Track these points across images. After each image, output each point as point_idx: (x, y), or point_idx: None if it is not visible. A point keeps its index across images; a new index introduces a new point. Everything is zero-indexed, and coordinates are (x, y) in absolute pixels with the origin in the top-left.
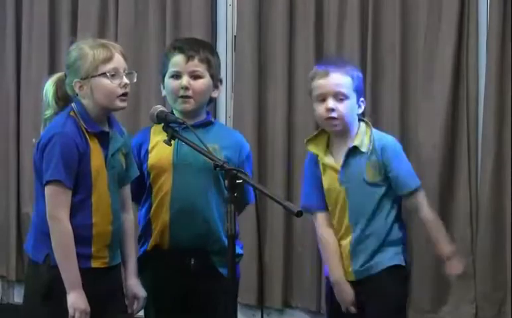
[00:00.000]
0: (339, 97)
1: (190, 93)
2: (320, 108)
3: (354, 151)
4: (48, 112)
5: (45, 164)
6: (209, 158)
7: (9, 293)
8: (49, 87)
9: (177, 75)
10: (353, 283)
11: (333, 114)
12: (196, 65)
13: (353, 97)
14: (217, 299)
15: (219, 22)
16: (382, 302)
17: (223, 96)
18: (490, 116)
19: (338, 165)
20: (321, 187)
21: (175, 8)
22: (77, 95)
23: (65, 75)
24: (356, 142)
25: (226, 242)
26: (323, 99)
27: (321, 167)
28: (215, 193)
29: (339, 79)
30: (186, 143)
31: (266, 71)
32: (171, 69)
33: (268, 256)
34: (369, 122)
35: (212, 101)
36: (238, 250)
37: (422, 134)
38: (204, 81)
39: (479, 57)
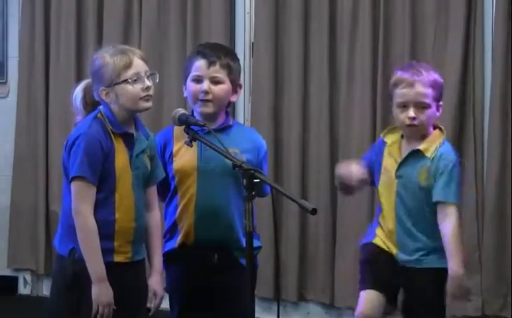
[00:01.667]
0: (421, 105)
1: (209, 97)
2: (402, 115)
3: (417, 153)
4: (79, 118)
5: (71, 162)
6: (229, 159)
7: (38, 286)
8: (77, 94)
9: (198, 79)
10: (396, 268)
11: (414, 122)
12: (217, 70)
13: (433, 105)
14: (239, 289)
15: (237, 30)
16: (423, 297)
17: (242, 100)
18: (495, 120)
19: (399, 159)
20: (373, 167)
21: (195, 16)
22: (103, 101)
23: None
24: (422, 146)
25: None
26: (405, 106)
27: (385, 154)
28: (235, 193)
29: (422, 90)
30: (206, 144)
31: (282, 76)
32: (193, 73)
33: (284, 252)
34: (443, 131)
35: (230, 105)
36: (256, 243)
37: None
38: (224, 87)
39: (484, 66)
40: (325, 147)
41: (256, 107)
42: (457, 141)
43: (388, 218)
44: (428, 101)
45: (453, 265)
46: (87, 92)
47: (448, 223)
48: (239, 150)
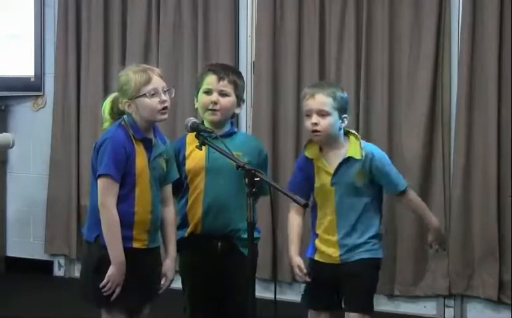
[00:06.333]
0: (322, 113)
1: (217, 107)
2: (307, 123)
3: (348, 160)
4: (106, 125)
5: (98, 161)
6: (233, 160)
7: (71, 269)
8: (106, 105)
9: (209, 92)
10: (337, 266)
11: (316, 128)
12: (225, 85)
13: (335, 114)
14: (238, 273)
15: (240, 51)
16: (356, 284)
17: (244, 110)
18: (461, 130)
19: (331, 169)
20: (307, 184)
21: (205, 40)
22: (127, 111)
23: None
24: (350, 153)
25: (246, 229)
26: (309, 114)
27: (315, 168)
28: (237, 190)
29: (322, 99)
30: (214, 148)
31: (278, 90)
32: (204, 86)
33: (281, 239)
34: (358, 135)
35: (235, 116)
36: (256, 234)
37: (406, 143)
38: (230, 99)
39: (451, 82)
40: None
41: (256, 117)
42: (429, 142)
43: (329, 224)
44: (327, 108)
45: (432, 219)
46: (114, 104)
47: (415, 200)
48: (242, 153)
